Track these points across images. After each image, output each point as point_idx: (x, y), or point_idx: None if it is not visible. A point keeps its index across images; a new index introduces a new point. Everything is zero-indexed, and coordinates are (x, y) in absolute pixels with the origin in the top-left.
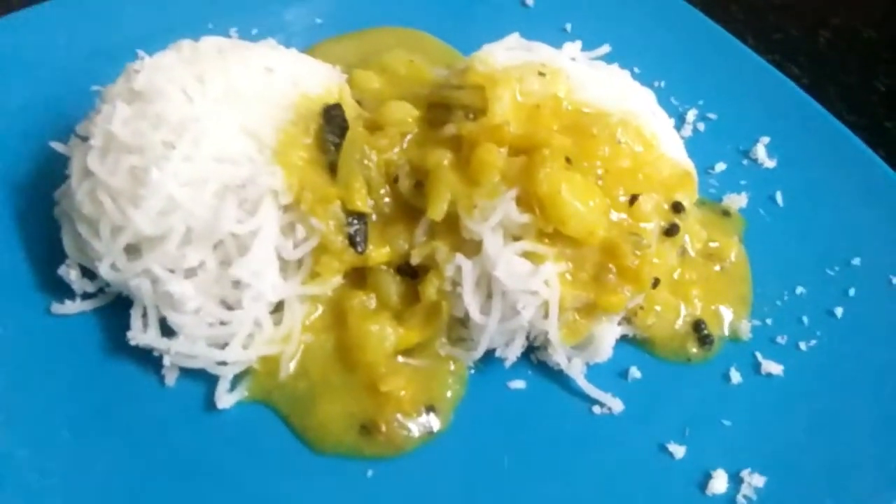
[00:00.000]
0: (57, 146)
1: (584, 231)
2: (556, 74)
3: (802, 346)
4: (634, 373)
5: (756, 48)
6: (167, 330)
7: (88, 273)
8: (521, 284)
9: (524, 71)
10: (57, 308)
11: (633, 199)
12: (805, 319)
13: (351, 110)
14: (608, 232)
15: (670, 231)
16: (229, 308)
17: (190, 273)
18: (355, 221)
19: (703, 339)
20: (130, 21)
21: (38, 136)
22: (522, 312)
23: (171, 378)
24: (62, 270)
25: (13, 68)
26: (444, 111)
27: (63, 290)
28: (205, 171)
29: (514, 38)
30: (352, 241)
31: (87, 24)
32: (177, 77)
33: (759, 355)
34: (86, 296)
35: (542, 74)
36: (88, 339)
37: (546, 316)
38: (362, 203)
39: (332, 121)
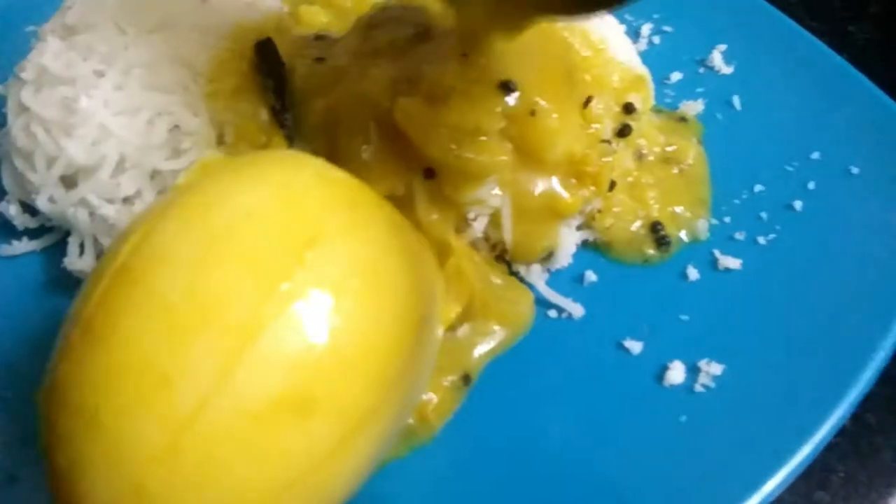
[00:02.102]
0: None
1: (565, 157)
2: None
3: (761, 240)
4: (590, 276)
5: None
6: None
7: (30, 209)
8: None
9: None
10: (5, 249)
11: (587, 101)
12: (764, 215)
13: (289, 40)
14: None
15: (623, 132)
16: None
17: (127, 202)
18: None
19: (661, 240)
20: None
21: None
22: (475, 225)
23: None
24: (2, 206)
25: None
26: (384, 31)
27: (11, 231)
28: (137, 100)
29: None
30: None
31: None
32: (109, 9)
33: (716, 252)
34: (32, 234)
35: None
36: (37, 277)
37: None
38: (316, 149)
39: (266, 58)
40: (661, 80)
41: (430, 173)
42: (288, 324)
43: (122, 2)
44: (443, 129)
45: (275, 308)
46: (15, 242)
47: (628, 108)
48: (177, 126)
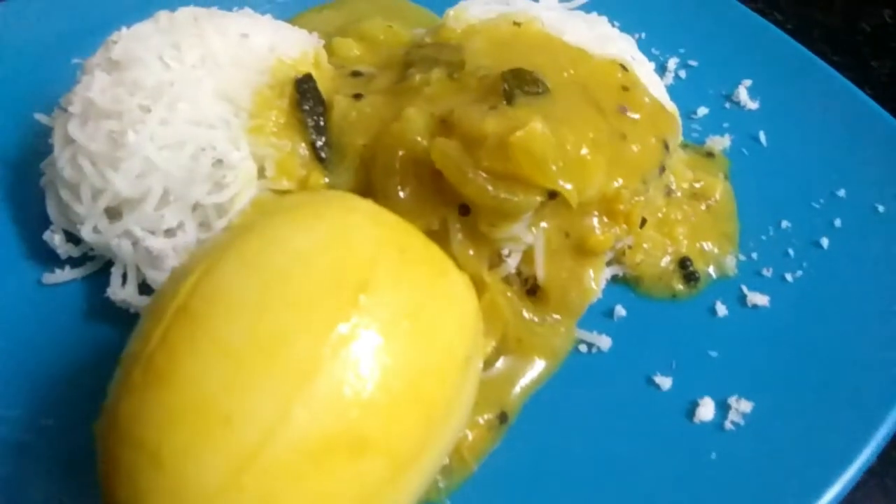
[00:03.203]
0: (41, 118)
1: (598, 195)
2: (531, 23)
3: (788, 277)
4: (620, 311)
5: None
6: (147, 290)
7: (73, 238)
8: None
9: (498, 22)
10: (48, 277)
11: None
12: (791, 252)
13: (327, 75)
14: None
15: (658, 169)
16: None
17: (170, 234)
18: None
19: (689, 276)
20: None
21: (24, 110)
22: (508, 261)
23: None
24: (47, 235)
25: None
26: (420, 70)
27: (53, 260)
28: (181, 134)
29: None
30: None
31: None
32: (153, 45)
33: (744, 288)
34: (74, 263)
35: (516, 24)
36: (78, 305)
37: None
38: (354, 184)
39: (306, 95)
40: (687, 115)
41: (465, 210)
42: (343, 365)
43: (166, 37)
44: (479, 170)
45: (330, 350)
46: (58, 271)
47: (664, 145)
48: (219, 160)
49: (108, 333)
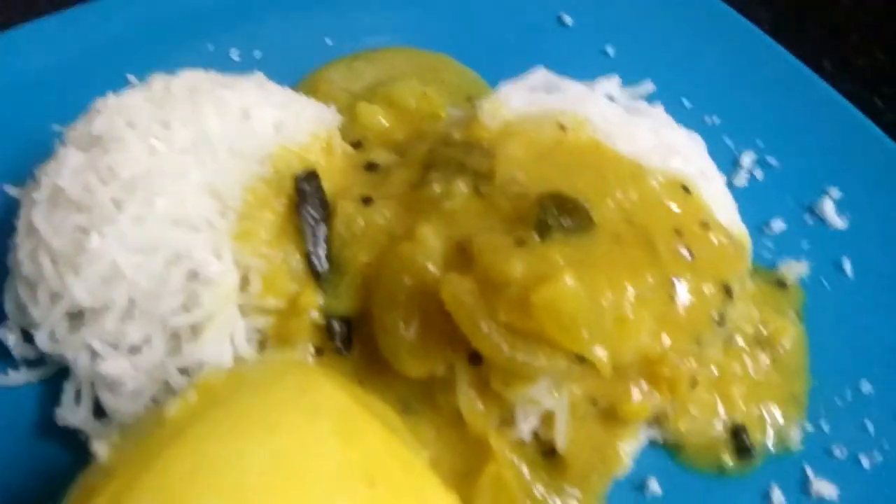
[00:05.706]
0: (11, 190)
1: (638, 356)
2: (580, 127)
3: (864, 461)
4: (653, 486)
5: (832, 76)
6: (103, 412)
7: (31, 337)
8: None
9: (541, 124)
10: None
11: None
12: (870, 426)
13: (337, 165)
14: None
15: (717, 322)
16: (174, 395)
17: (133, 351)
18: (338, 324)
19: (743, 449)
20: (127, 36)
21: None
22: (522, 424)
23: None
24: (1, 333)
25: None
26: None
27: (8, 358)
28: (156, 237)
29: (539, 75)
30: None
31: (80, 39)
32: (139, 121)
33: (809, 470)
34: (31, 364)
35: (562, 128)
36: (30, 414)
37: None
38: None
39: (307, 196)
40: (759, 229)
41: (476, 358)
42: None
43: (156, 112)
44: (496, 323)
45: None
46: (12, 372)
47: (727, 292)
48: (195, 273)
49: (55, 453)
